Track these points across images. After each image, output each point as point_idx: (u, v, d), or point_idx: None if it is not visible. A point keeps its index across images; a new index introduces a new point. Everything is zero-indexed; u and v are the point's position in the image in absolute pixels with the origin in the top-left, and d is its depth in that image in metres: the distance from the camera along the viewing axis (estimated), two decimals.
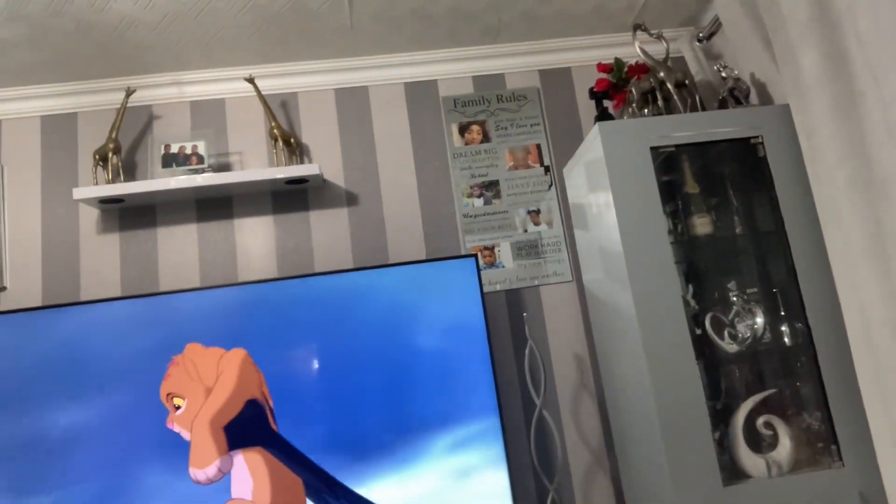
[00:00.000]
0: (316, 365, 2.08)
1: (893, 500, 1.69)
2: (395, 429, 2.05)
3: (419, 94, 2.62)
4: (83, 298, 2.36)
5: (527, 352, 2.30)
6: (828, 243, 1.85)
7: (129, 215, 2.44)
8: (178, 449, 1.98)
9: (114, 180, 2.34)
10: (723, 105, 2.24)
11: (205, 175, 2.32)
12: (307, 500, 1.97)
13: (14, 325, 2.06)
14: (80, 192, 2.27)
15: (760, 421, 1.93)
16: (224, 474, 1.95)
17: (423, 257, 2.47)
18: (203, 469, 1.94)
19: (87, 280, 2.38)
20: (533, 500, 2.32)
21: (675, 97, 2.19)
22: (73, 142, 2.49)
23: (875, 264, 1.66)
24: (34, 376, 2.02)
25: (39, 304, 2.34)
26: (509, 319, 2.45)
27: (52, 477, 1.96)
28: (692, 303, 2.09)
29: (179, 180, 2.31)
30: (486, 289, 2.45)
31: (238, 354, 2.03)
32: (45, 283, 2.37)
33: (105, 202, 2.35)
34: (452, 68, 2.63)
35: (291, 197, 2.50)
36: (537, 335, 2.45)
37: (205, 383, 2.00)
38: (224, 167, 2.49)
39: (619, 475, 2.33)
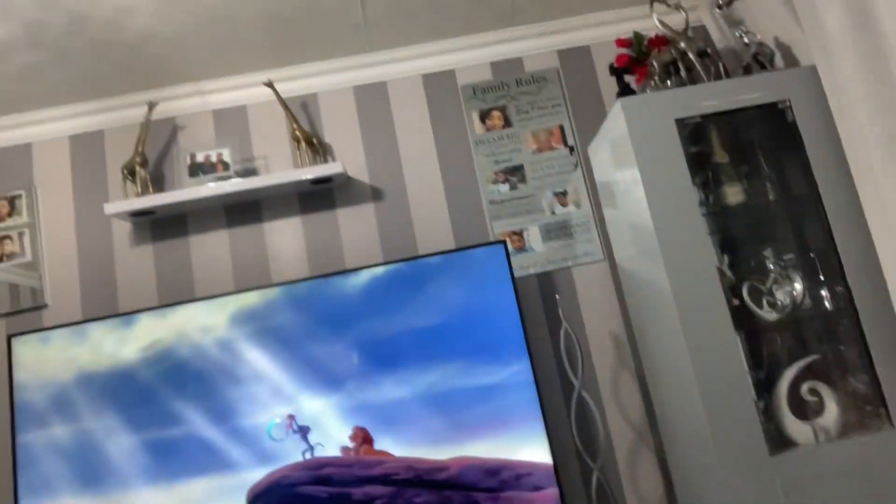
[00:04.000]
0: (355, 360, 2.09)
1: None
2: (436, 416, 2.05)
3: (438, 84, 2.61)
4: (121, 310, 2.41)
5: (562, 334, 2.29)
6: (864, 203, 1.80)
7: (161, 226, 2.48)
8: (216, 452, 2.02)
9: (143, 193, 2.38)
10: (747, 71, 2.20)
11: (232, 181, 2.34)
12: None
13: (57, 339, 2.12)
14: (111, 207, 2.31)
15: (805, 388, 1.90)
16: None
17: (452, 247, 2.47)
18: None
19: (124, 292, 2.43)
20: (578, 482, 2.31)
21: (698, 67, 2.15)
22: (101, 158, 2.54)
23: None
24: (78, 389, 2.08)
25: (79, 318, 2.40)
26: (542, 302, 2.43)
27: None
28: (728, 273, 2.06)
29: (207, 188, 2.34)
30: (517, 273, 2.44)
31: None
32: (83, 297, 2.42)
33: (136, 215, 2.39)
34: (469, 56, 2.62)
35: (318, 196, 2.51)
36: (572, 317, 2.43)
37: None
38: (250, 172, 2.52)
39: (663, 451, 2.31)
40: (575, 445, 2.31)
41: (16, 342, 2.13)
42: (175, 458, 1.92)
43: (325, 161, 2.53)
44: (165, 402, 2.03)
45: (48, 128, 2.54)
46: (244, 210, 2.50)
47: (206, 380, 2.03)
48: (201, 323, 2.09)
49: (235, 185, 2.34)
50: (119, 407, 2.05)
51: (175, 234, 2.48)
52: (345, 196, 2.52)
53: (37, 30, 2.04)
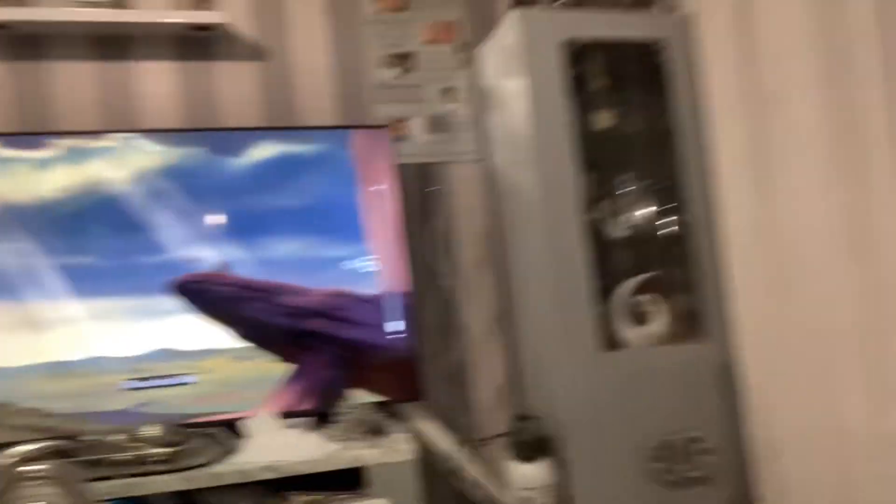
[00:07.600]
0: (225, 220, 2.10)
1: (746, 368, 2.03)
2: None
3: None
4: None
5: (433, 225, 2.38)
6: (715, 146, 2.08)
7: (17, 44, 2.19)
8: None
9: None
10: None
11: (99, 11, 2.13)
12: None
13: None
14: None
15: (641, 299, 2.20)
16: None
17: (334, 123, 2.43)
18: None
19: None
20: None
21: None
22: None
23: (751, 172, 1.95)
24: None
25: None
26: (418, 192, 2.50)
27: None
28: (590, 189, 2.26)
29: (69, 12, 2.11)
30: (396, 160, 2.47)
31: None
32: None
33: None
34: None
35: (197, 44, 2.33)
36: (444, 210, 2.52)
37: None
38: (120, 3, 2.27)
39: (515, 343, 2.44)
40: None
41: None
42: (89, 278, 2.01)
43: (208, 7, 2.34)
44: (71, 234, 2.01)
45: None
46: (114, 44, 2.27)
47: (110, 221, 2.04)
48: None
49: (101, 14, 2.13)
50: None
51: (32, 56, 2.20)
52: (227, 50, 2.36)
53: None
